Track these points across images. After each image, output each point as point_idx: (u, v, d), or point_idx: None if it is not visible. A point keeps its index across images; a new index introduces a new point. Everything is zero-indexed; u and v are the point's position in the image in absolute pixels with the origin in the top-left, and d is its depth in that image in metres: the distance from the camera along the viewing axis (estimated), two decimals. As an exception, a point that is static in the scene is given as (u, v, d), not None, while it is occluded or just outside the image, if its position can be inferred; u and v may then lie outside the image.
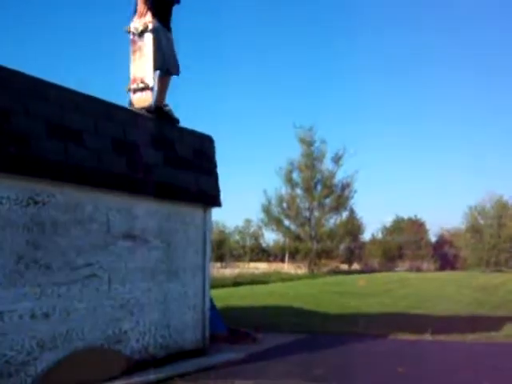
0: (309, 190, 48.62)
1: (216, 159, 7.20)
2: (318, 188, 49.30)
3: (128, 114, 6.20)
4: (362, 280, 28.85)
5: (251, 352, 6.98)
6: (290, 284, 27.97)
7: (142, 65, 6.44)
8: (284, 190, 50.10)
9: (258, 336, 8.20)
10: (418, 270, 66.35)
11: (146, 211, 6.11)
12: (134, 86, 6.48)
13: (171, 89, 6.85)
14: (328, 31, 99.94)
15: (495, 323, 10.53)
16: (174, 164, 6.46)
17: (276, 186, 52.98)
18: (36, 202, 4.96)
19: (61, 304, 5.09)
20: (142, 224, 6.04)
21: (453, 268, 70.12)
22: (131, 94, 6.51)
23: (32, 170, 4.87)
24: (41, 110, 5.12)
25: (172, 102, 6.83)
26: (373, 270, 58.92)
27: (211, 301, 7.62)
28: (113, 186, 5.66)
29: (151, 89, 6.42)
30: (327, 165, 49.44)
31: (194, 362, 6.38)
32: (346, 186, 49.78)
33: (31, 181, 4.92)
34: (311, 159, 48.23)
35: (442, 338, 8.73)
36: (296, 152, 49.43)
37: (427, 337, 8.62)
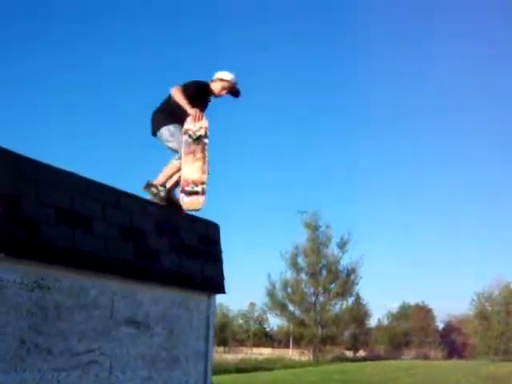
0: (314, 275, 48.47)
1: (221, 246, 7.27)
2: (323, 273, 49.16)
3: (136, 201, 6.32)
4: None
5: None
6: (293, 371, 27.43)
7: (196, 168, 6.63)
8: (289, 275, 49.97)
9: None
10: (425, 357, 65.13)
11: (150, 298, 6.12)
12: (188, 189, 6.64)
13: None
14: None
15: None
16: (179, 251, 6.52)
17: (281, 271, 52.93)
18: (41, 287, 5.00)
19: (60, 390, 5.04)
20: (145, 310, 6.05)
21: (461, 356, 68.84)
22: (182, 196, 6.70)
23: (40, 255, 4.93)
24: (51, 196, 5.23)
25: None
26: (378, 358, 57.79)
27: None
28: (119, 272, 5.71)
29: (203, 193, 6.66)
30: (332, 250, 49.51)
31: None
32: (351, 272, 49.68)
33: (38, 265, 4.97)
34: (317, 244, 48.29)
35: None
36: (301, 236, 49.56)
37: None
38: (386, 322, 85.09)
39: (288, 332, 57.65)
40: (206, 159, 6.64)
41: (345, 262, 49.65)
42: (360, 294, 54.65)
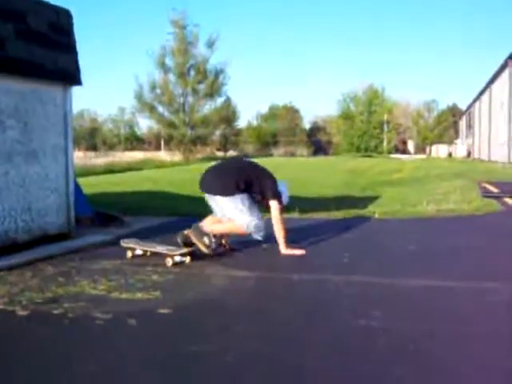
0: (182, 75, 47.85)
1: (75, 35, 6.76)
2: (191, 73, 48.65)
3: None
4: None
5: (119, 234, 6.92)
6: (164, 171, 27.91)
7: None
8: (157, 75, 48.99)
9: (127, 219, 8.14)
10: (292, 155, 68.22)
11: (-2, 89, 5.70)
12: None
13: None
14: None
15: (361, 202, 11.07)
16: (26, 38, 5.99)
17: (148, 72, 51.78)
18: None
19: None
20: (-6, 103, 5.65)
21: (325, 154, 72.70)
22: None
23: None
24: None
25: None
26: (247, 156, 59.90)
27: (77, 184, 7.43)
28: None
29: None
30: (201, 50, 48.68)
31: (59, 245, 6.24)
32: (219, 72, 49.44)
33: None
34: (184, 43, 47.17)
35: (309, 215, 9.06)
36: (169, 36, 48.17)
37: (295, 215, 8.89)
38: (255, 122, 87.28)
39: (158, 134, 58.00)
40: None
41: (214, 62, 49.39)
42: (230, 96, 55.26)
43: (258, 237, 5.95)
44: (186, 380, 2.88)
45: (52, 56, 6.31)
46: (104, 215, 8.06)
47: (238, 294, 4.62)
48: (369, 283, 4.76)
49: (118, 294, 4.38)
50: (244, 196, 5.91)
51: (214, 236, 5.86)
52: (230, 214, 5.89)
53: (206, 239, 5.82)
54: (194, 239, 5.82)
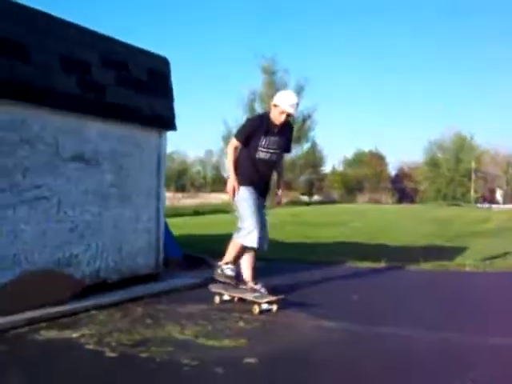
0: (270, 120, 48.46)
1: (172, 82, 6.96)
2: (279, 119, 49.20)
3: (77, 31, 5.89)
4: None
5: (206, 277, 6.95)
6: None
7: None
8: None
9: (214, 262, 8.18)
10: (377, 202, 67.31)
11: (97, 133, 5.90)
12: None
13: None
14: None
15: (449, 254, 10.72)
16: (126, 84, 6.22)
17: (237, 117, 52.72)
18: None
19: (7, 226, 4.94)
20: (93, 146, 5.85)
21: (411, 201, 71.35)
22: None
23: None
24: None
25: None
26: (333, 202, 59.59)
27: (166, 226, 7.55)
28: (61, 106, 5.43)
29: None
30: (290, 95, 49.25)
31: (147, 286, 6.34)
32: (307, 117, 49.83)
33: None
34: (273, 89, 47.88)
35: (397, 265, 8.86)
36: (258, 81, 49.11)
37: (382, 265, 8.71)
38: (340, 168, 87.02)
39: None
40: None
41: (301, 107, 49.86)
42: (316, 141, 55.40)
43: (251, 244, 5.70)
44: None
45: (149, 102, 6.52)
46: (192, 257, 8.15)
47: (325, 347, 4.50)
48: (460, 341, 4.54)
49: (205, 340, 4.36)
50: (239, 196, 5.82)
51: (226, 263, 5.87)
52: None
53: (218, 270, 5.91)
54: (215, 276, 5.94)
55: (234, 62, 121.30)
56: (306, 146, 52.68)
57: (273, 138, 5.88)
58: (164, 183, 6.96)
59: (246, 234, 5.68)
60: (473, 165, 70.13)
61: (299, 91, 48.83)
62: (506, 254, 10.30)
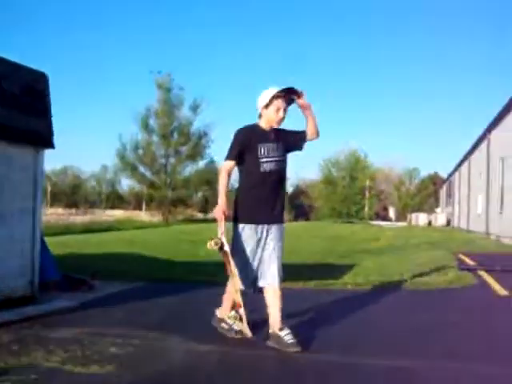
0: (165, 136, 48.26)
1: (50, 98, 6.73)
2: (174, 135, 49.12)
3: None
4: None
5: (84, 300, 6.77)
6: (143, 232, 27.70)
7: None
8: (140, 136, 49.34)
9: (95, 283, 7.97)
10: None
11: (-34, 150, 5.62)
12: None
13: None
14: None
15: (337, 271, 10.94)
16: (-1, 101, 5.96)
17: (132, 132, 52.13)
18: None
19: None
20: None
21: (307, 218, 72.59)
22: None
23: None
24: None
25: None
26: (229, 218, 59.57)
27: (44, 246, 7.28)
28: None
29: None
30: (185, 113, 49.29)
31: (19, 311, 6.03)
32: (203, 135, 49.93)
33: None
34: (169, 106, 47.80)
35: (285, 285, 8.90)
36: (153, 98, 48.83)
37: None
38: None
39: (139, 194, 57.92)
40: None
41: (197, 125, 49.89)
42: (214, 158, 55.44)
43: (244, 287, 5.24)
44: None
45: (24, 118, 6.27)
46: (72, 279, 7.88)
47: (197, 372, 4.45)
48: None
49: (72, 367, 4.21)
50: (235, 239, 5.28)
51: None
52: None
53: (223, 325, 5.45)
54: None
55: (132, 79, 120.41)
56: (202, 163, 52.68)
57: (271, 145, 5.12)
58: (41, 201, 6.71)
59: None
60: (367, 183, 72.46)
61: (195, 109, 49.01)
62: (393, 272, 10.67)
